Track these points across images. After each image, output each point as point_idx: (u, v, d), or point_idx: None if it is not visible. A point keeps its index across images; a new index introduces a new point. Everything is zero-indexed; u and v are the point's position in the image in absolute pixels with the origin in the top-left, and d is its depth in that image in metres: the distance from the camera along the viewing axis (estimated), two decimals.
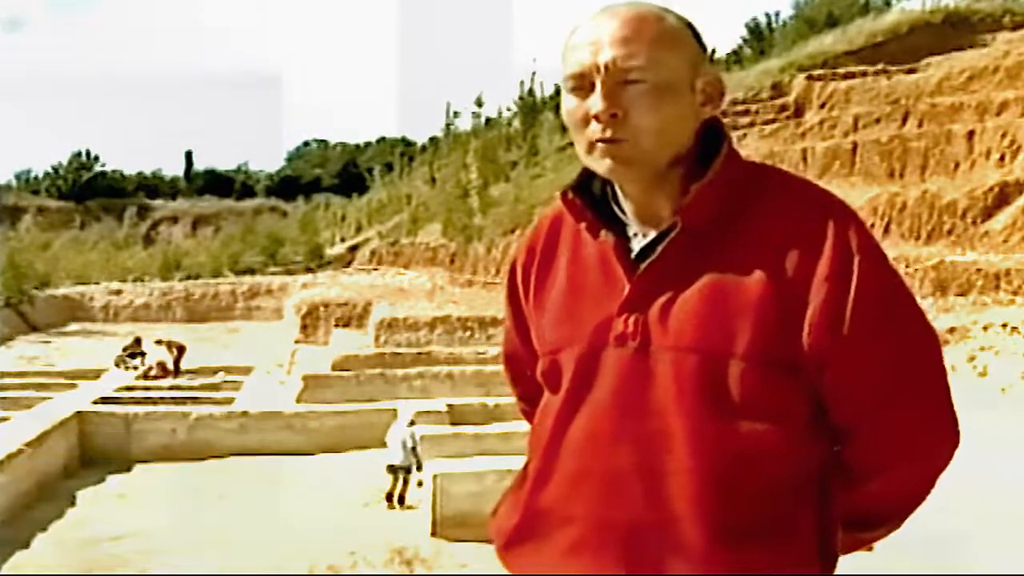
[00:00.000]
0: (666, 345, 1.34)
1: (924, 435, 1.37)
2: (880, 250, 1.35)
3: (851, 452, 1.38)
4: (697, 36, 1.39)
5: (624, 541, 1.34)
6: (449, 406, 15.41)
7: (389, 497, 12.10)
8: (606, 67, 1.31)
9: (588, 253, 1.44)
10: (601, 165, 1.36)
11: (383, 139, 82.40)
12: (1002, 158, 22.70)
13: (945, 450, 1.38)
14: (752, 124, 30.50)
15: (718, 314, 1.32)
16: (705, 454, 1.31)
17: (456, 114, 56.83)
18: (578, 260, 1.45)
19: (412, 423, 12.93)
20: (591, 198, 1.43)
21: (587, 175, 1.42)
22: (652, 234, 1.39)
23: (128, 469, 14.17)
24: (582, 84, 1.34)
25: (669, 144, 1.35)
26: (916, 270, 19.95)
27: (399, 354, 19.76)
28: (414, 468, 12.17)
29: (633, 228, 1.41)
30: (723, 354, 1.31)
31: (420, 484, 11.83)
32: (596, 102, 1.32)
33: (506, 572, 1.49)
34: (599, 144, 1.34)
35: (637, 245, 1.40)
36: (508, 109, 51.22)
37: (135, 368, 22.30)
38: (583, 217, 1.42)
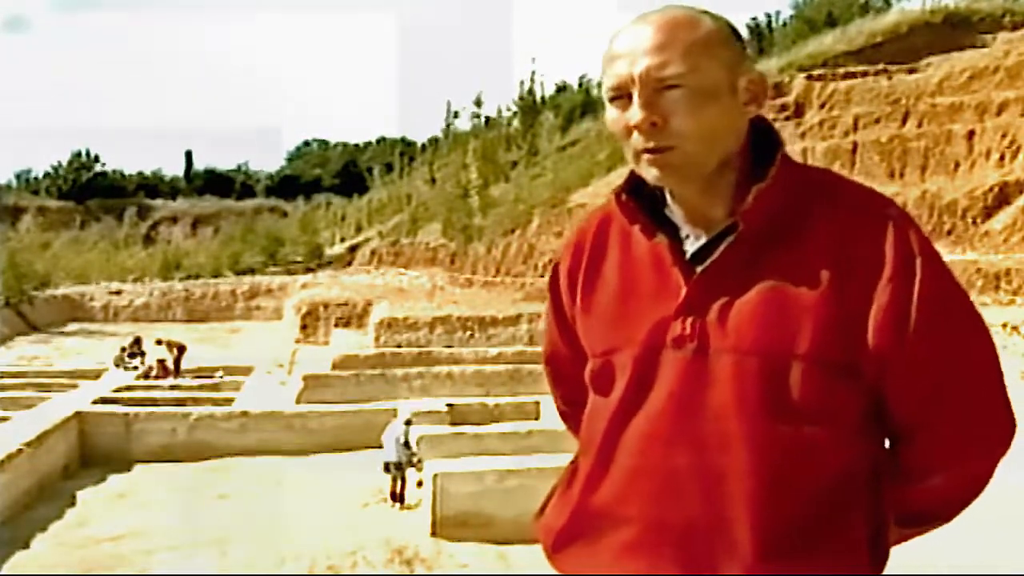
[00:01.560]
0: (726, 347, 1.34)
1: (983, 432, 1.39)
2: (938, 253, 1.36)
3: (911, 450, 1.40)
4: (736, 35, 1.39)
5: (679, 542, 1.35)
6: (449, 406, 15.43)
7: (392, 496, 12.11)
8: (641, 77, 1.32)
9: (640, 255, 1.44)
10: (649, 174, 1.37)
11: (383, 139, 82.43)
12: (1002, 158, 22.69)
13: (1002, 446, 1.40)
14: None
15: (778, 316, 1.32)
16: (764, 456, 1.32)
17: (456, 114, 56.93)
18: (630, 262, 1.46)
19: (408, 422, 12.94)
20: (642, 199, 1.44)
21: (637, 177, 1.42)
22: (704, 236, 1.39)
23: (128, 469, 14.17)
24: (621, 95, 1.35)
25: (715, 147, 1.35)
26: None
27: (399, 354, 19.76)
28: (408, 465, 12.17)
29: (684, 230, 1.42)
30: (784, 356, 1.32)
31: (420, 484, 11.83)
32: (635, 113, 1.33)
33: (552, 572, 1.50)
34: (645, 154, 1.35)
35: (690, 247, 1.40)
36: (508, 109, 51.27)
37: (135, 368, 22.30)
38: (637, 219, 1.42)
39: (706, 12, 1.37)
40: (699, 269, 1.38)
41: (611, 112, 1.37)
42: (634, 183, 1.43)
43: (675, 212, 1.43)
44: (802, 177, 1.41)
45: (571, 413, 1.60)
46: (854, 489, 1.36)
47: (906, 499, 1.42)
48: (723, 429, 1.33)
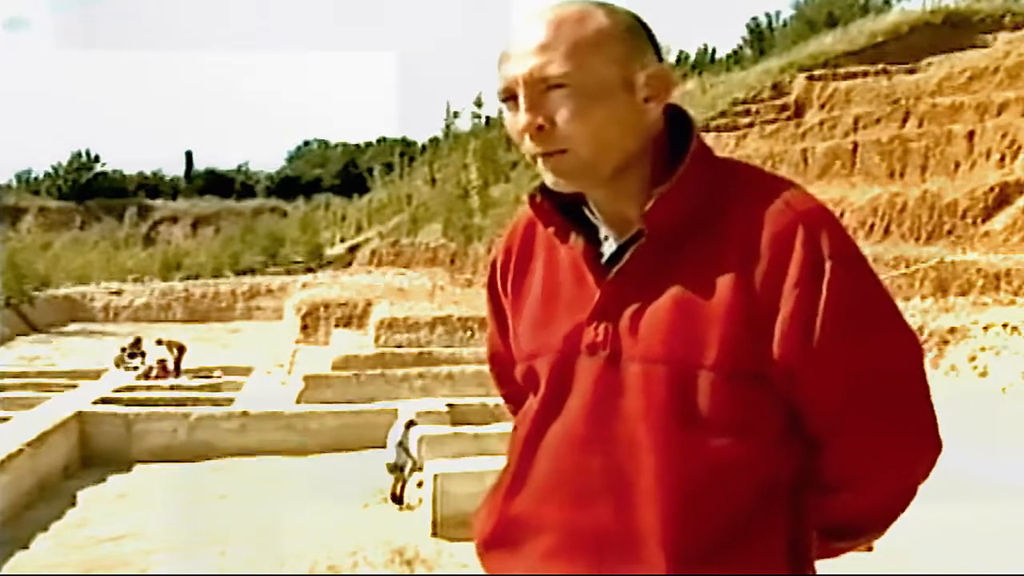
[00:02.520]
0: (635, 355, 1.30)
1: (900, 446, 1.32)
2: (856, 255, 1.28)
3: (824, 462, 1.33)
4: (637, 29, 1.31)
5: (594, 550, 1.32)
6: (449, 406, 15.41)
7: (393, 497, 12.11)
8: (525, 79, 1.26)
9: (561, 257, 1.40)
10: (546, 178, 1.33)
11: (383, 139, 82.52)
12: (1002, 158, 22.70)
13: (924, 461, 1.33)
14: (752, 124, 30.50)
15: (686, 324, 1.27)
16: (673, 468, 1.27)
17: (456, 114, 57.01)
18: (553, 264, 1.41)
19: (410, 423, 12.92)
20: (562, 201, 1.37)
21: None
22: (621, 238, 1.35)
23: (128, 469, 14.16)
24: (510, 96, 1.29)
25: (608, 148, 1.28)
26: (916, 270, 19.96)
27: (399, 354, 19.77)
28: (407, 466, 12.16)
29: (603, 231, 1.37)
30: (692, 366, 1.27)
31: (420, 484, 11.83)
32: (520, 116, 1.27)
33: (489, 573, 1.48)
34: (539, 158, 1.30)
35: (607, 249, 1.36)
36: None
37: (135, 368, 22.31)
38: (551, 221, 1.38)
39: (602, 6, 1.29)
40: (610, 274, 1.33)
41: (506, 115, 1.32)
42: None
43: (594, 212, 1.38)
44: (713, 173, 1.33)
45: (517, 411, 1.56)
46: (770, 500, 1.31)
47: (826, 512, 1.36)
48: (634, 438, 1.29)
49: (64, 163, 76.67)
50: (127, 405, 16.25)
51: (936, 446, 1.33)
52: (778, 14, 44.08)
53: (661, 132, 1.34)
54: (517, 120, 1.29)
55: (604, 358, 1.32)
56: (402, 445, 12.32)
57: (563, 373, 1.36)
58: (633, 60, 1.28)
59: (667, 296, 1.29)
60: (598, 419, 1.32)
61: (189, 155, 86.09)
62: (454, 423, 14.62)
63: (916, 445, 1.33)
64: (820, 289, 1.23)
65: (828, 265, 1.24)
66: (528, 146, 1.30)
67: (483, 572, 1.49)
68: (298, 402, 16.68)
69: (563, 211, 1.38)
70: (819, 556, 1.38)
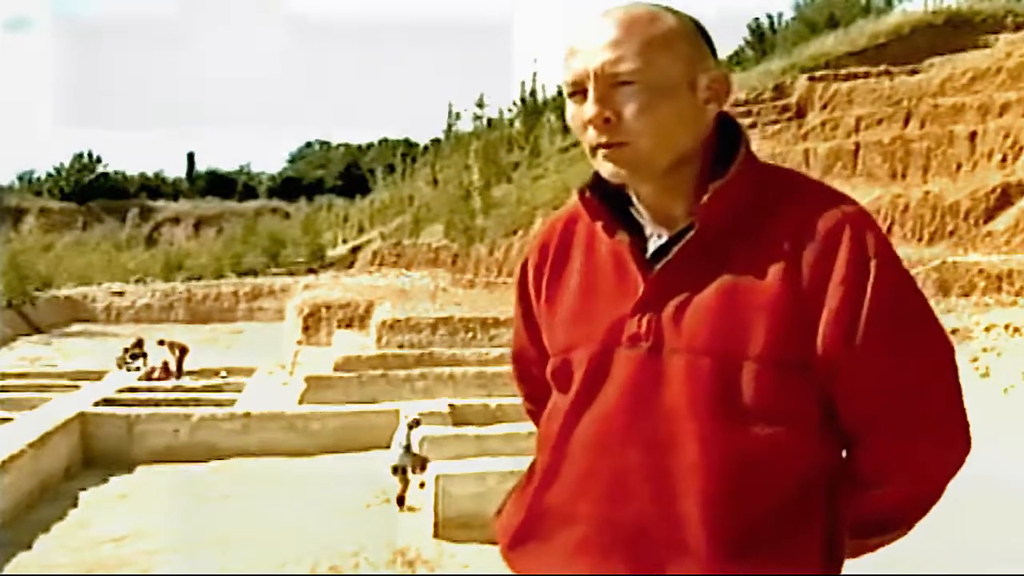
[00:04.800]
0: (679, 347, 1.33)
1: (933, 442, 1.36)
2: (895, 255, 1.34)
3: (860, 457, 1.38)
4: (701, 33, 1.38)
5: (629, 541, 1.34)
6: (451, 407, 15.40)
7: (398, 500, 12.08)
8: (596, 73, 1.31)
9: (603, 253, 1.44)
10: (604, 170, 1.37)
11: (385, 140, 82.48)
12: (1004, 159, 22.68)
13: (954, 458, 1.37)
14: (754, 125, 30.46)
15: (732, 316, 1.31)
16: (715, 456, 1.31)
17: (458, 115, 56.99)
18: (593, 260, 1.45)
19: (413, 424, 12.90)
20: (607, 197, 1.43)
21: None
22: (666, 235, 1.39)
23: (130, 470, 14.17)
24: (578, 90, 1.34)
25: (669, 145, 1.34)
26: (918, 271, 19.94)
27: (401, 355, 19.75)
28: (409, 468, 12.15)
29: (649, 228, 1.41)
30: (736, 357, 1.31)
31: (422, 485, 11.82)
32: (589, 108, 1.33)
33: (510, 572, 1.49)
34: (599, 150, 1.35)
35: (652, 245, 1.40)
36: (509, 110, 51.32)
37: (137, 369, 22.33)
38: (600, 216, 1.42)
39: (669, 9, 1.36)
40: (657, 267, 1.37)
41: (569, 107, 1.37)
42: (600, 181, 1.43)
43: (640, 210, 1.42)
44: (762, 176, 1.39)
45: (537, 412, 1.60)
46: (810, 492, 1.34)
47: (860, 506, 1.40)
48: (675, 429, 1.32)
49: (66, 164, 76.74)
50: (129, 406, 16.26)
51: (967, 442, 1.37)
52: (780, 15, 43.95)
53: (711, 135, 1.39)
54: (583, 112, 1.34)
55: (645, 349, 1.36)
56: (407, 448, 12.31)
57: (601, 364, 1.39)
58: (697, 62, 1.35)
59: (713, 289, 1.33)
60: (635, 410, 1.35)
61: (191, 156, 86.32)
62: (455, 424, 14.61)
63: (949, 441, 1.37)
64: (865, 286, 1.29)
65: (873, 264, 1.30)
66: (590, 137, 1.35)
67: (502, 572, 1.49)
68: (300, 403, 16.68)
69: (609, 209, 1.43)
70: (850, 555, 1.41)
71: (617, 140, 1.33)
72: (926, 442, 1.35)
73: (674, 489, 1.32)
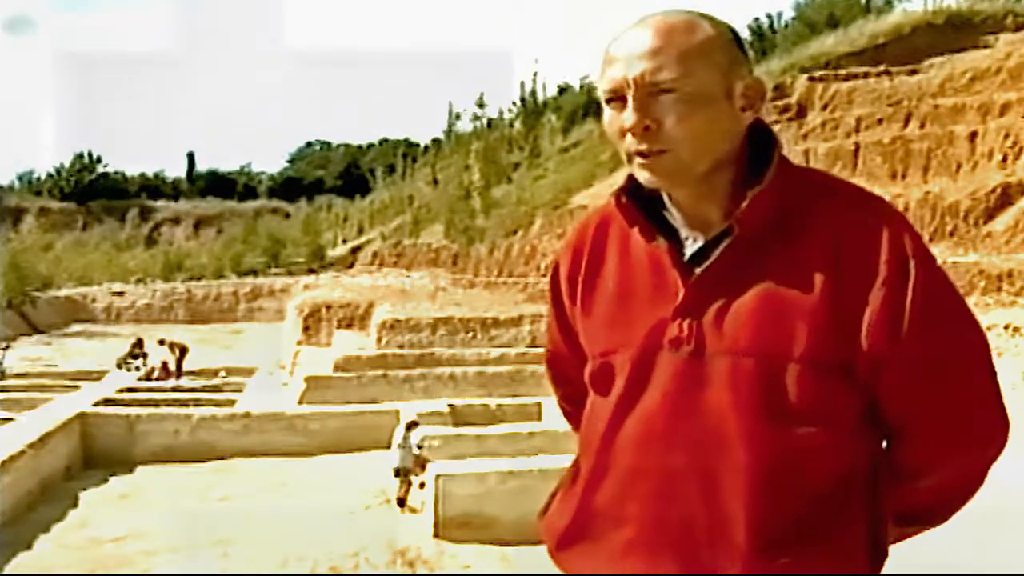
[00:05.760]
0: (722, 350, 1.36)
1: (975, 432, 1.41)
2: (931, 254, 1.37)
3: (904, 449, 1.42)
4: (736, 40, 1.40)
5: (678, 542, 1.37)
6: (451, 407, 15.41)
7: (399, 501, 12.08)
8: (636, 80, 1.33)
9: (638, 256, 1.46)
10: (641, 176, 1.39)
11: (385, 140, 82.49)
12: (1004, 159, 22.68)
13: (995, 445, 1.42)
14: None
15: (774, 318, 1.34)
16: (761, 456, 1.33)
17: (458, 115, 57.01)
18: (628, 263, 1.47)
19: (412, 425, 12.90)
20: (641, 201, 1.45)
21: (635, 179, 1.44)
22: (702, 239, 1.41)
23: (130, 470, 14.17)
24: (616, 97, 1.37)
25: (707, 152, 1.36)
26: None
27: (401, 355, 19.74)
28: (409, 469, 12.14)
29: (684, 232, 1.44)
30: (780, 357, 1.34)
31: (422, 486, 11.82)
32: (628, 116, 1.35)
33: (558, 572, 1.52)
34: (637, 157, 1.37)
35: (688, 249, 1.42)
36: (510, 110, 51.35)
37: (137, 369, 22.34)
38: (636, 221, 1.44)
39: (706, 17, 1.38)
40: (697, 271, 1.39)
41: (607, 114, 1.39)
42: (633, 185, 1.44)
43: (674, 215, 1.44)
44: (798, 179, 1.42)
45: (574, 412, 1.62)
46: (852, 489, 1.37)
47: (902, 498, 1.44)
48: (719, 430, 1.35)
49: (66, 164, 76.73)
50: (129, 406, 16.26)
51: (1005, 432, 1.42)
52: (779, 15, 44.00)
53: (744, 141, 1.42)
54: (622, 119, 1.36)
55: (688, 353, 1.38)
56: (404, 447, 12.31)
57: (644, 368, 1.41)
58: (734, 70, 1.38)
59: (754, 292, 1.36)
60: (679, 413, 1.38)
61: (191, 156, 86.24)
62: (455, 424, 14.62)
63: (990, 429, 1.41)
64: (907, 285, 1.33)
65: (912, 263, 1.34)
66: (629, 143, 1.37)
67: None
68: (300, 403, 16.69)
69: (644, 213, 1.45)
70: (891, 541, 1.45)
71: (657, 148, 1.35)
72: (966, 433, 1.40)
73: (721, 489, 1.35)
